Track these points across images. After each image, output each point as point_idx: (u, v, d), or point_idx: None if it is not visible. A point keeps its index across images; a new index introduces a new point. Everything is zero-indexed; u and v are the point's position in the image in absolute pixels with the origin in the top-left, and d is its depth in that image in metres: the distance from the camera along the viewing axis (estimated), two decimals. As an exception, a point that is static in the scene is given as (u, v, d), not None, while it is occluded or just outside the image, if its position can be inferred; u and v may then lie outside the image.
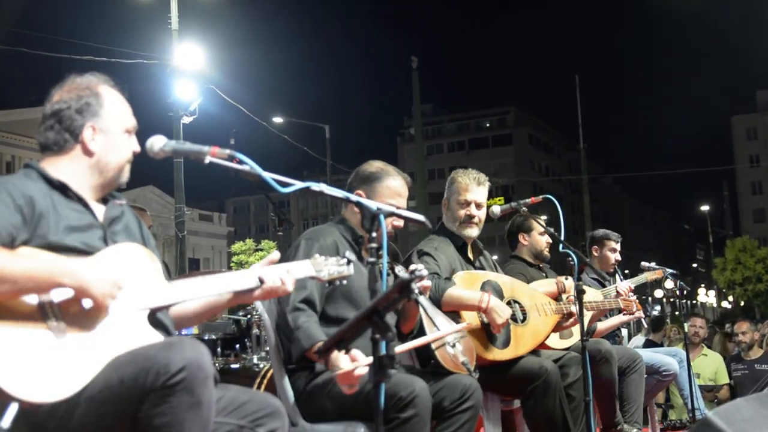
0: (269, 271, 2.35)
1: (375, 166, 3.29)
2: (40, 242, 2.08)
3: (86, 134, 2.28)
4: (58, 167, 2.27)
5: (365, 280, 2.71)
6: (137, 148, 2.38)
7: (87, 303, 2.01)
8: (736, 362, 7.84)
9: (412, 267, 2.97)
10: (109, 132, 2.31)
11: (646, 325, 10.45)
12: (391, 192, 3.20)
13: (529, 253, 4.86)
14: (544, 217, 4.88)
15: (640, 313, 5.02)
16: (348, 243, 3.16)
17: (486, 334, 3.63)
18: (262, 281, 2.32)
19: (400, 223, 3.14)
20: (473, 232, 3.95)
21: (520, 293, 3.87)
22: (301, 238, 3.15)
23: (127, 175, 2.38)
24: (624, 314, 4.77)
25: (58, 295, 1.98)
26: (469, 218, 3.93)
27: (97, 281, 1.99)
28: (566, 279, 4.28)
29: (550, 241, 4.74)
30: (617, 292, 4.67)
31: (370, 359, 2.60)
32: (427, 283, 3.08)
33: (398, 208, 3.02)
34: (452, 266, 3.81)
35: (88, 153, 2.29)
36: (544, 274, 4.76)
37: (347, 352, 2.63)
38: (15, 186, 2.13)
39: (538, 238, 4.82)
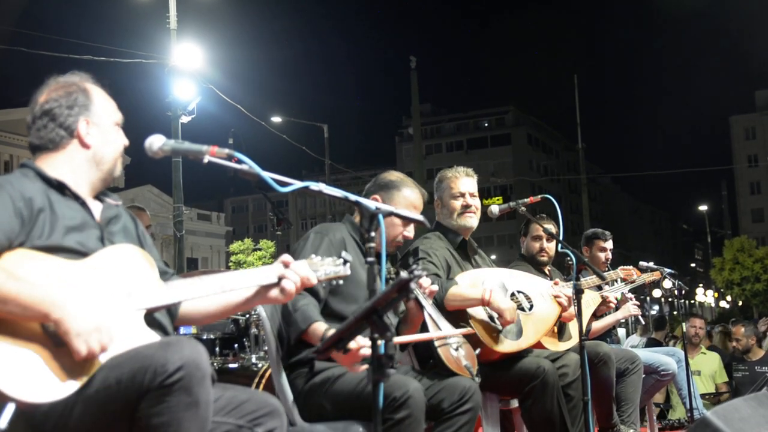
0: (287, 270, 2.36)
1: (395, 175, 3.38)
2: (37, 243, 2.07)
3: (81, 128, 2.28)
4: (55, 165, 2.26)
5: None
6: (127, 142, 2.41)
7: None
8: (738, 363, 7.87)
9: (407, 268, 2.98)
10: (102, 125, 2.33)
11: (643, 323, 10.48)
12: (407, 202, 3.26)
13: (527, 255, 4.88)
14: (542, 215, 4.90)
15: (636, 310, 5.04)
16: (355, 242, 3.19)
17: (496, 327, 3.62)
18: (280, 279, 2.34)
19: (411, 233, 3.21)
20: (473, 221, 3.98)
21: (522, 283, 3.90)
22: (310, 232, 3.19)
23: (120, 168, 2.40)
24: (626, 300, 4.77)
25: None
26: (466, 208, 3.95)
27: (80, 322, 1.90)
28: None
29: (546, 246, 4.75)
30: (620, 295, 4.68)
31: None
32: (434, 287, 3.13)
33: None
34: (448, 263, 3.82)
35: (84, 146, 2.29)
36: (548, 277, 4.76)
37: (345, 352, 2.63)
38: (14, 187, 2.12)
39: (530, 242, 4.84)
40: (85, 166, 2.29)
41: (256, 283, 2.35)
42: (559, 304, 3.92)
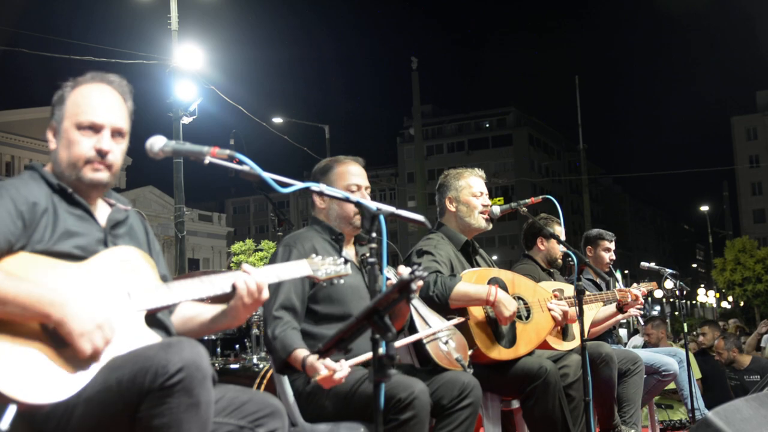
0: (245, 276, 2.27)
1: (324, 161, 3.32)
2: (37, 247, 2.07)
3: (54, 128, 2.25)
4: (52, 166, 2.27)
5: (351, 278, 2.72)
6: (101, 146, 2.20)
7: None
8: (730, 371, 7.88)
9: (402, 268, 2.98)
10: (61, 126, 2.24)
11: (643, 324, 10.46)
12: (342, 173, 3.19)
13: (544, 258, 4.92)
14: (541, 215, 4.90)
15: (637, 310, 5.02)
16: (327, 242, 3.15)
17: (493, 331, 3.62)
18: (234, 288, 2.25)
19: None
20: (488, 223, 4.00)
21: (522, 289, 3.87)
22: (279, 245, 3.16)
23: (87, 175, 2.20)
24: (619, 309, 4.77)
25: None
26: (486, 207, 3.99)
27: (82, 322, 1.91)
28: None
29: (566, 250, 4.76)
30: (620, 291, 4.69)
31: (348, 364, 2.64)
32: (419, 282, 3.09)
33: (358, 187, 3.12)
34: (452, 264, 3.81)
35: (53, 148, 2.25)
36: (552, 279, 4.76)
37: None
38: (18, 191, 2.11)
39: (556, 246, 4.84)
40: (59, 167, 2.23)
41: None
42: (553, 318, 3.89)
